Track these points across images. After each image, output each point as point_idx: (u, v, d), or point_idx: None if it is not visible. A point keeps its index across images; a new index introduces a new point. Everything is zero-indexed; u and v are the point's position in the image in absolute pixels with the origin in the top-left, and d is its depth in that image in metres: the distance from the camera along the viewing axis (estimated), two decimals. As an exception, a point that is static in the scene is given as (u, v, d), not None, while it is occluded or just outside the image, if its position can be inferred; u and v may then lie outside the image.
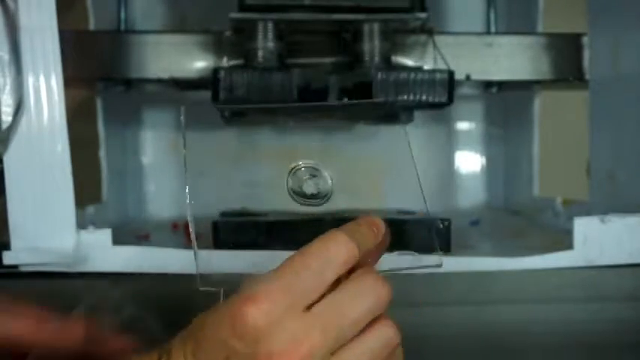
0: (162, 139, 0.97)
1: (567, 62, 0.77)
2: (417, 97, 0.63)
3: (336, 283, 0.35)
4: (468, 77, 0.76)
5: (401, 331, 0.37)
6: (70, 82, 0.55)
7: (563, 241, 0.58)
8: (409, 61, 0.74)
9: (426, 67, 0.72)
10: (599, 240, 0.57)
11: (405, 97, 0.63)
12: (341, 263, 0.35)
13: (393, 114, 0.82)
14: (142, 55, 0.73)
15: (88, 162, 0.81)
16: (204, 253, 0.56)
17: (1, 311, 0.45)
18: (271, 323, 0.33)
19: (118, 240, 0.56)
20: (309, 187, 0.44)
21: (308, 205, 0.42)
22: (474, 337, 0.56)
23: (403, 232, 0.62)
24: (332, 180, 0.43)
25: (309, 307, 0.34)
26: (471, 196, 1.01)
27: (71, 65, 0.51)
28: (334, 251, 0.35)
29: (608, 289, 0.57)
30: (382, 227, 0.39)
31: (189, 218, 0.40)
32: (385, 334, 0.36)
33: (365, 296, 0.35)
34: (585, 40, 0.76)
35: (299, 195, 0.43)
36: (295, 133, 0.96)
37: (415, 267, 0.43)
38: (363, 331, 0.35)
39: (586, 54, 0.76)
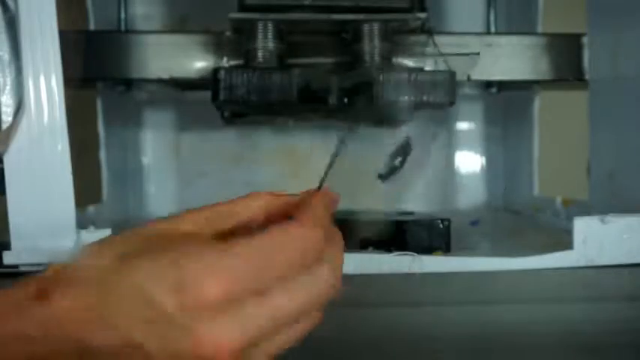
0: (162, 139, 0.97)
1: (567, 62, 0.77)
2: (419, 97, 0.63)
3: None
4: (468, 77, 0.76)
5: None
6: (70, 82, 0.55)
7: (563, 240, 0.58)
8: (409, 62, 0.74)
9: (426, 68, 0.72)
10: (599, 240, 0.57)
11: (406, 97, 0.63)
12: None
13: (393, 114, 0.82)
14: (142, 55, 0.73)
15: (88, 162, 0.81)
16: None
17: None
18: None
19: (118, 240, 0.56)
20: None
21: None
22: (474, 337, 0.56)
23: (403, 233, 0.62)
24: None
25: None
26: (471, 196, 1.01)
27: (71, 65, 0.51)
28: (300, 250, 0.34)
29: (608, 289, 0.57)
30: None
31: None
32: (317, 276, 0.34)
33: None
34: (585, 40, 0.76)
35: None
36: (295, 133, 0.96)
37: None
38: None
39: (586, 54, 0.77)
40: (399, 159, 0.79)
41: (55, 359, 0.31)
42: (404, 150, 0.78)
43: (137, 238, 0.35)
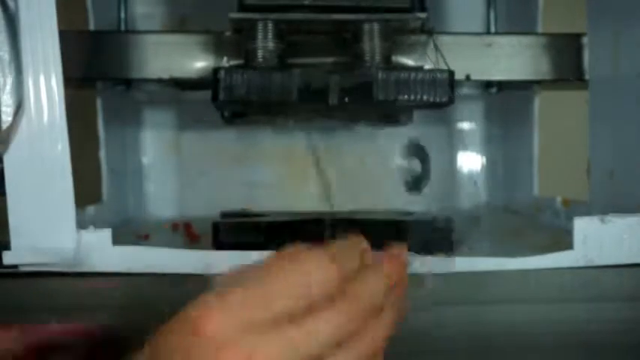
0: (162, 139, 0.97)
1: (567, 62, 0.77)
2: (418, 97, 0.63)
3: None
4: (467, 77, 0.76)
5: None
6: (70, 82, 0.55)
7: (563, 240, 0.58)
8: (409, 61, 0.74)
9: (426, 67, 0.72)
10: (599, 240, 0.57)
11: (406, 97, 0.63)
12: (318, 285, 0.34)
13: (393, 114, 0.82)
14: (142, 55, 0.73)
15: (88, 162, 0.81)
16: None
17: None
18: (230, 334, 0.32)
19: (118, 240, 0.56)
20: None
21: None
22: (473, 337, 0.56)
23: (403, 233, 0.62)
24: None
25: (276, 322, 0.33)
26: (471, 196, 1.01)
27: (71, 65, 0.51)
28: (314, 274, 0.34)
29: (608, 289, 0.57)
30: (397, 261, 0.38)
31: None
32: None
33: (335, 321, 0.34)
34: (585, 40, 0.76)
35: None
36: (295, 133, 0.96)
37: None
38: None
39: (586, 54, 0.76)
40: (421, 167, 0.78)
41: None
42: (421, 158, 0.78)
43: None
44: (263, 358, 0.32)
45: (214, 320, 0.32)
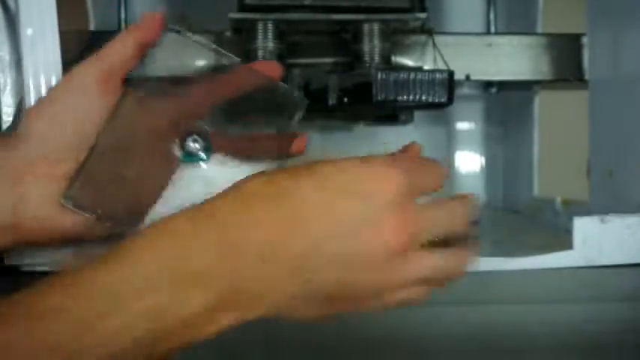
0: (162, 139, 0.97)
1: (567, 62, 0.77)
2: (417, 97, 0.63)
3: None
4: (467, 77, 0.76)
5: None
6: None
7: (563, 240, 0.58)
8: (409, 62, 0.74)
9: (426, 67, 0.72)
10: (599, 240, 0.57)
11: (405, 97, 0.63)
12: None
13: (393, 114, 0.82)
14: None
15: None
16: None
17: None
18: (405, 194, 0.37)
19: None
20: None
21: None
22: (474, 337, 0.56)
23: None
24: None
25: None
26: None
27: (71, 65, 0.51)
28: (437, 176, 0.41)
29: (608, 289, 0.57)
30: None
31: None
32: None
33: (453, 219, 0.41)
34: (585, 40, 0.76)
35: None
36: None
37: None
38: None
39: (586, 54, 0.76)
40: None
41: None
42: None
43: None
44: (417, 229, 0.38)
45: (402, 180, 0.37)
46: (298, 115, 0.43)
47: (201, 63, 0.42)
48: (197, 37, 0.44)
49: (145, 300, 0.32)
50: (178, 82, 0.44)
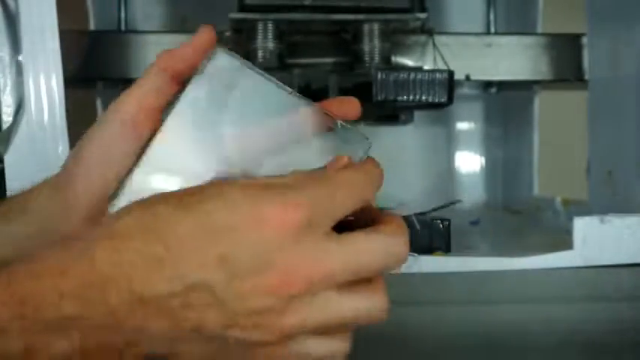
0: (163, 139, 0.97)
1: (567, 62, 0.78)
2: (417, 97, 0.63)
3: None
4: (467, 77, 0.76)
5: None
6: (70, 82, 0.55)
7: (563, 241, 0.58)
8: (409, 62, 0.74)
9: (425, 68, 0.72)
10: (599, 240, 0.57)
11: (405, 97, 0.63)
12: (365, 200, 0.35)
13: (393, 114, 0.82)
14: (142, 55, 0.73)
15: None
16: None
17: None
18: (303, 235, 0.31)
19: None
20: None
21: None
22: (474, 337, 0.56)
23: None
24: None
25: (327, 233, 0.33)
26: (471, 196, 1.01)
27: (71, 65, 0.51)
28: (369, 187, 0.35)
29: (607, 289, 0.57)
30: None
31: None
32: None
33: (381, 253, 0.34)
34: (585, 40, 0.76)
35: None
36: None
37: None
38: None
39: (586, 54, 0.77)
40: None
41: (89, 321, 0.30)
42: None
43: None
44: (327, 268, 0.32)
45: (297, 218, 0.31)
46: (361, 158, 0.40)
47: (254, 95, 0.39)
48: (252, 66, 0.40)
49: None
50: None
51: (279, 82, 0.40)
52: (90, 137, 0.40)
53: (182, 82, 0.40)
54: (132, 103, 0.40)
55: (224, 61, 0.39)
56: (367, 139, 0.40)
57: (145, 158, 0.38)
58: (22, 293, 0.29)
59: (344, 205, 0.33)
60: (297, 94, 0.39)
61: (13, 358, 0.29)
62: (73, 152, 0.41)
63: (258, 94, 0.39)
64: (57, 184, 0.41)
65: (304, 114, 0.39)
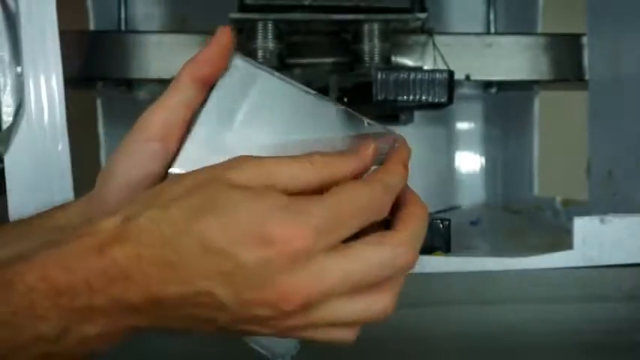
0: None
1: (567, 62, 0.78)
2: (417, 97, 0.63)
3: None
4: (467, 77, 0.76)
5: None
6: (70, 82, 0.55)
7: (563, 241, 0.58)
8: (409, 62, 0.74)
9: (425, 68, 0.72)
10: (599, 240, 0.57)
11: (405, 97, 0.63)
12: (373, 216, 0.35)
13: (393, 114, 0.82)
14: (142, 55, 0.73)
15: (88, 162, 0.81)
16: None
17: None
18: (305, 259, 0.32)
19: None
20: None
21: None
22: (474, 337, 0.56)
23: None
24: None
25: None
26: (471, 196, 1.01)
27: (71, 65, 0.51)
28: (379, 200, 0.35)
29: (607, 288, 0.57)
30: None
31: None
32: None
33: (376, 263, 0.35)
34: (585, 40, 0.76)
35: None
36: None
37: None
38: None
39: (586, 54, 0.77)
40: None
41: (117, 309, 0.32)
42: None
43: (196, 188, 0.34)
44: (327, 286, 0.33)
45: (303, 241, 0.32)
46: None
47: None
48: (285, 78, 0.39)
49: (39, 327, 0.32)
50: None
51: (299, 84, 0.40)
52: (117, 158, 0.41)
53: (211, 87, 0.40)
54: (158, 122, 0.41)
55: (244, 66, 0.39)
56: (395, 134, 0.41)
57: (174, 170, 0.38)
58: (58, 286, 0.32)
59: (350, 227, 0.34)
60: (320, 95, 0.39)
61: (49, 339, 0.32)
62: (101, 173, 0.41)
63: (284, 98, 0.40)
64: (89, 201, 0.42)
65: (331, 114, 0.39)
